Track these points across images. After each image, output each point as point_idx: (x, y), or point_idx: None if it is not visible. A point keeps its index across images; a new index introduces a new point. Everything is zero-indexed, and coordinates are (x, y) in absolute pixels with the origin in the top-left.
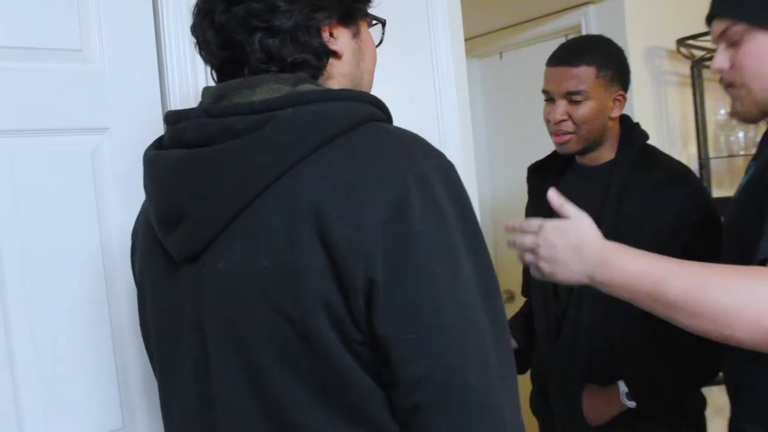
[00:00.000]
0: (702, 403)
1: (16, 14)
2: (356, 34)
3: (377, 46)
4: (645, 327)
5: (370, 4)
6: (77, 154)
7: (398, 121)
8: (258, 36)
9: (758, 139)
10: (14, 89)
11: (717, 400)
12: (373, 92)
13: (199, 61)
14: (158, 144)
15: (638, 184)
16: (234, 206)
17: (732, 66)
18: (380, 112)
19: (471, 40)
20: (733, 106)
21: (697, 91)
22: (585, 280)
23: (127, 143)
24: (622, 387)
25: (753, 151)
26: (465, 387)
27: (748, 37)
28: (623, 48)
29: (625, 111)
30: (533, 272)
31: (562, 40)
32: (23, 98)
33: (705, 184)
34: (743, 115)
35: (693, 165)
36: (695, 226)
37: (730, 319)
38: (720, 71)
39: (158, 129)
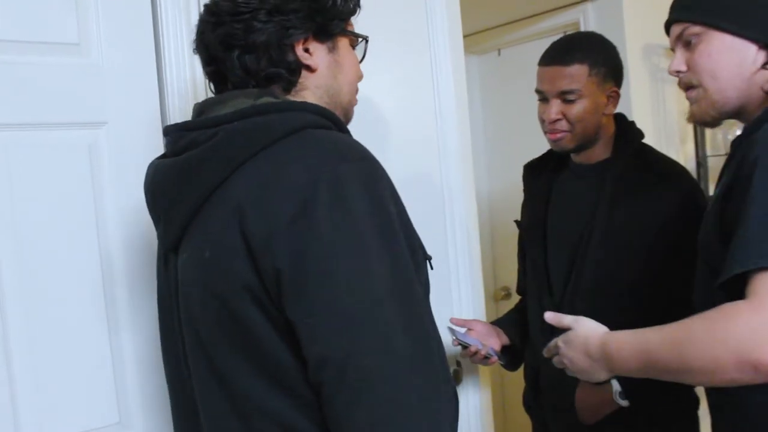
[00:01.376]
0: (695, 402)
1: (13, 8)
2: (333, 49)
3: (360, 61)
4: (639, 326)
5: (348, 23)
6: (74, 148)
7: (396, 118)
8: (236, 53)
9: None
10: (11, 83)
11: None
12: (371, 89)
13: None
14: (162, 155)
15: (632, 183)
16: (190, 207)
17: (688, 68)
18: (323, 119)
19: (469, 36)
20: (690, 110)
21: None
22: (610, 376)
23: (125, 138)
24: (616, 385)
25: None
26: (360, 369)
27: (704, 38)
28: (621, 45)
29: (623, 108)
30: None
31: (561, 36)
32: (20, 92)
33: (702, 182)
34: (701, 117)
35: (690, 163)
36: (688, 226)
37: (719, 366)
38: (677, 73)
39: (156, 124)
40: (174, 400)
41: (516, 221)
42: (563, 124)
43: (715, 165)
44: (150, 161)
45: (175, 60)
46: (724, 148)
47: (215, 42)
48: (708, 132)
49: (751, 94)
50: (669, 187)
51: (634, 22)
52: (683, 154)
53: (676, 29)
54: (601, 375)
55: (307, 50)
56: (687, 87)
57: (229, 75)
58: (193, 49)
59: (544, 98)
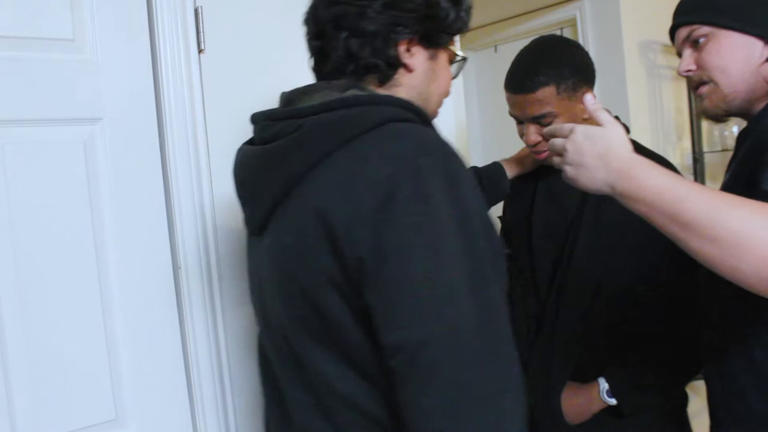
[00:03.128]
0: (683, 400)
1: (7, 3)
2: (433, 58)
3: (453, 78)
4: (626, 324)
5: (454, 40)
6: (69, 144)
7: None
8: (344, 35)
9: None
10: (4, 78)
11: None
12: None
13: (193, 52)
14: (250, 140)
15: None
16: (275, 196)
17: (698, 66)
18: (407, 112)
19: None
20: (701, 105)
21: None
22: (606, 189)
23: (120, 134)
24: (603, 384)
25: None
26: (431, 357)
27: (711, 37)
28: (618, 42)
29: (621, 104)
30: (562, 176)
31: (558, 33)
32: (14, 87)
33: (699, 178)
34: (713, 112)
35: (687, 159)
36: None
37: (741, 250)
38: (687, 73)
39: (151, 120)
40: (263, 385)
41: (499, 217)
42: (544, 145)
43: (712, 161)
44: (151, 156)
45: (170, 56)
46: (720, 145)
47: (327, 19)
48: (704, 128)
49: (758, 88)
50: None
51: (630, 18)
52: (680, 150)
53: (683, 32)
54: (596, 183)
55: (409, 50)
56: (698, 85)
57: (331, 54)
58: (303, 21)
59: (519, 121)
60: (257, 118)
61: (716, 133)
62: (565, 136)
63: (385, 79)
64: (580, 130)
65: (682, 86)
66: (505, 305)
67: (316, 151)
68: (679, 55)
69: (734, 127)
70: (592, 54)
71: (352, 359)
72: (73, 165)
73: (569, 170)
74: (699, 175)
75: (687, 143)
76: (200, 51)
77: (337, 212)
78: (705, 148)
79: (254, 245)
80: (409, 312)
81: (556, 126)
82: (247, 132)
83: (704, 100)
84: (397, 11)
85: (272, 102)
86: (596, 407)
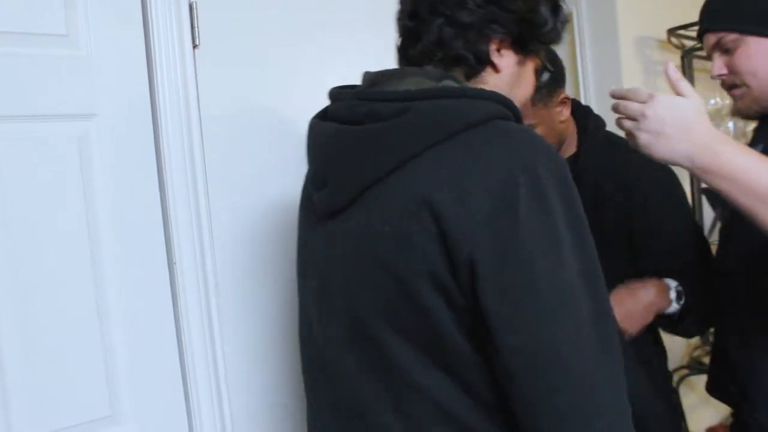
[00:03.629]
0: (663, 354)
1: None
2: (521, 63)
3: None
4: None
5: (545, 50)
6: (63, 140)
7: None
8: (439, 21)
9: (748, 128)
10: None
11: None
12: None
13: (188, 47)
14: (322, 114)
15: (608, 175)
16: (368, 178)
17: (729, 70)
18: (507, 111)
19: None
20: (734, 105)
21: (688, 81)
22: (683, 162)
23: (115, 130)
24: (672, 283)
25: (742, 140)
26: (554, 358)
27: (740, 43)
28: (614, 38)
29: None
30: (630, 140)
31: None
32: (7, 83)
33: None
34: (745, 112)
35: None
36: (665, 210)
37: None
38: (720, 76)
39: (146, 116)
40: (304, 364)
41: None
42: None
43: None
44: (145, 153)
45: (165, 51)
46: None
47: (426, 2)
48: None
49: None
50: (640, 168)
51: (627, 14)
52: None
53: (711, 38)
54: (674, 155)
55: (499, 51)
56: (730, 87)
57: (422, 37)
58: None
59: None
60: (341, 95)
61: None
62: (642, 101)
63: (472, 74)
64: (664, 98)
65: None
66: (611, 306)
67: (426, 139)
68: (709, 57)
69: (729, 123)
70: (588, 50)
71: (439, 354)
72: (67, 161)
73: (644, 137)
74: None
75: None
76: (195, 46)
77: (449, 208)
78: None
79: (320, 227)
80: (530, 313)
81: (631, 88)
82: (242, 127)
83: (738, 102)
84: (498, 8)
85: (268, 97)
86: (649, 316)
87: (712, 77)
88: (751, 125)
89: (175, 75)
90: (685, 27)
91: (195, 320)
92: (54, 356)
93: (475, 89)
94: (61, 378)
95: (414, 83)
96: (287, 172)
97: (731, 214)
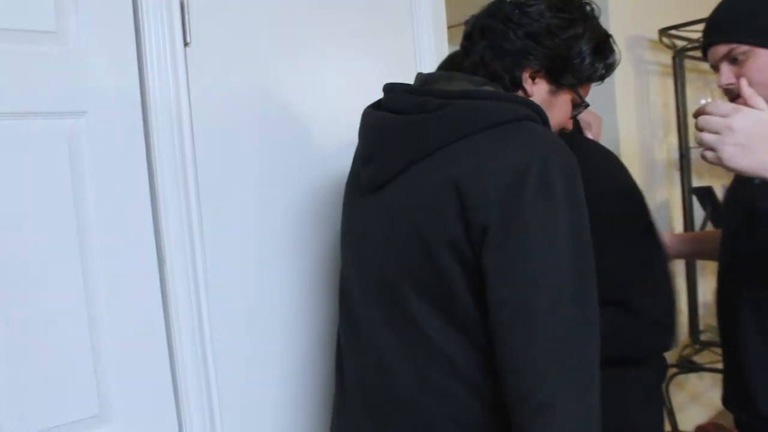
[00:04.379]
0: (662, 374)
1: None
2: (554, 93)
3: (570, 117)
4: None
5: (580, 85)
6: (52, 137)
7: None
8: (484, 44)
9: None
10: None
11: (694, 387)
12: (354, 80)
13: (179, 45)
14: (376, 105)
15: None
16: (408, 159)
17: (737, 80)
18: (534, 114)
19: (454, 27)
20: None
21: (679, 82)
22: (764, 172)
23: (105, 127)
24: None
25: None
26: (535, 312)
27: (750, 55)
28: None
29: (608, 101)
30: (707, 155)
31: None
32: None
33: (685, 173)
34: None
35: (674, 154)
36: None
37: None
38: (729, 86)
39: (136, 113)
40: (341, 318)
41: None
42: None
43: (698, 156)
44: (136, 151)
45: (155, 49)
46: None
47: (478, 26)
48: (691, 124)
49: None
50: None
51: (618, 13)
52: (666, 146)
53: (721, 49)
54: (757, 166)
55: (533, 79)
56: (736, 96)
57: (470, 55)
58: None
59: None
60: (394, 88)
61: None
62: (725, 115)
63: (505, 90)
64: (748, 111)
65: (669, 82)
66: (596, 289)
67: (462, 130)
68: (715, 68)
69: None
70: None
71: (455, 316)
72: (56, 158)
73: (730, 150)
74: (685, 171)
75: (673, 139)
76: (186, 44)
77: (470, 185)
78: (691, 144)
79: (362, 201)
80: (520, 271)
81: (712, 103)
82: (234, 126)
83: None
84: (534, 43)
85: (258, 95)
86: None
87: (720, 86)
88: None
89: (166, 73)
90: (676, 27)
91: (185, 319)
92: (42, 355)
93: (509, 94)
94: (48, 377)
95: (459, 86)
96: (279, 171)
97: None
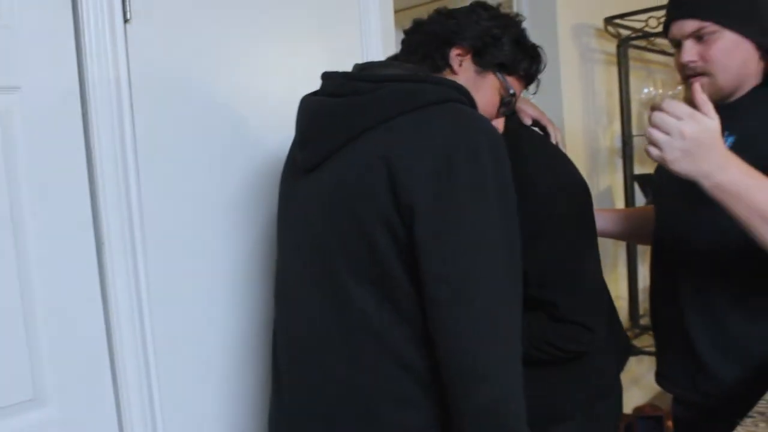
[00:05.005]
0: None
1: None
2: (480, 74)
3: (496, 115)
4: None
5: (513, 75)
6: None
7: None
8: (418, 33)
9: None
10: None
11: (634, 370)
12: (298, 64)
13: (118, 20)
14: (314, 93)
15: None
16: (343, 139)
17: (700, 59)
18: (463, 96)
19: (401, 11)
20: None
21: (623, 70)
22: (701, 178)
23: (40, 105)
24: None
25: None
26: (471, 288)
27: (719, 35)
28: (552, 25)
29: (553, 88)
30: (653, 152)
31: None
32: None
33: (627, 160)
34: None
35: (617, 142)
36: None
37: None
38: (691, 63)
39: (74, 91)
40: (276, 294)
41: None
42: None
43: (640, 144)
44: (72, 129)
45: (94, 25)
46: None
47: (416, 21)
48: (634, 112)
49: (745, 81)
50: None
51: (565, 2)
52: (610, 133)
53: (691, 24)
54: (693, 172)
55: (460, 59)
56: (693, 75)
57: (405, 42)
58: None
59: None
60: (331, 75)
61: (645, 117)
62: (680, 118)
63: (436, 71)
64: (700, 118)
65: (614, 70)
66: (521, 262)
67: (392, 110)
68: (675, 43)
69: None
70: None
71: (389, 293)
72: None
73: (676, 154)
74: (627, 158)
75: (617, 126)
76: (126, 21)
77: (401, 163)
78: (634, 131)
79: (298, 183)
80: (456, 248)
81: (671, 102)
82: (175, 104)
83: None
84: (463, 24)
85: (200, 71)
86: None
87: (682, 62)
88: None
89: (105, 50)
90: (621, 16)
91: (124, 301)
92: None
93: (438, 77)
94: None
95: (391, 71)
96: (219, 151)
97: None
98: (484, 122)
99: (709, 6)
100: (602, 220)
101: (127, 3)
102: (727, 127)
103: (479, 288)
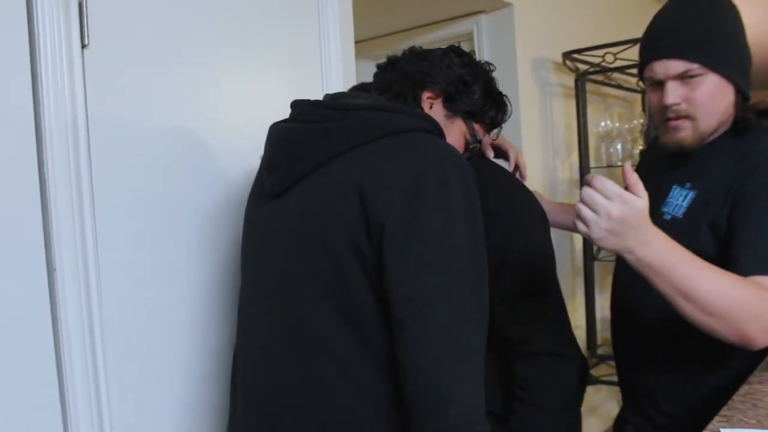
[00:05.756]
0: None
1: None
2: (448, 118)
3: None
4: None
5: (481, 124)
6: None
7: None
8: (392, 71)
9: (635, 151)
10: None
11: (591, 399)
12: (257, 88)
13: (76, 46)
14: (283, 121)
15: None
16: (313, 164)
17: (684, 101)
18: (433, 127)
19: (363, 42)
20: (677, 136)
21: (581, 103)
22: (624, 252)
23: None
24: None
25: (629, 162)
26: (436, 311)
27: (704, 78)
28: (512, 58)
29: (513, 120)
30: (580, 227)
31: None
32: None
33: None
34: (689, 144)
35: (575, 174)
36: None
37: (735, 325)
38: (675, 105)
39: (28, 116)
40: (239, 316)
41: None
42: None
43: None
44: (26, 154)
45: (50, 50)
46: (606, 161)
47: (390, 59)
48: (591, 145)
49: (722, 124)
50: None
51: (524, 36)
52: (568, 165)
53: (678, 65)
54: (617, 247)
55: (431, 102)
56: (676, 117)
57: (378, 78)
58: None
59: None
60: (299, 104)
61: (602, 149)
62: (609, 198)
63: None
64: (629, 199)
65: (572, 104)
66: (487, 283)
67: (364, 136)
68: (653, 82)
69: (618, 145)
70: None
71: (353, 319)
72: None
73: (602, 233)
74: None
75: (575, 158)
76: (84, 46)
77: (372, 186)
78: (592, 164)
79: (265, 207)
80: (422, 271)
81: (600, 181)
82: (132, 130)
83: (680, 133)
84: (436, 68)
85: (160, 97)
86: None
87: (664, 104)
88: (638, 148)
89: (62, 75)
90: (579, 51)
91: (75, 331)
92: None
93: (410, 108)
94: None
95: (362, 101)
96: (177, 176)
97: None
98: (454, 152)
99: (697, 47)
100: (561, 213)
101: (86, 29)
102: (690, 179)
103: (444, 309)
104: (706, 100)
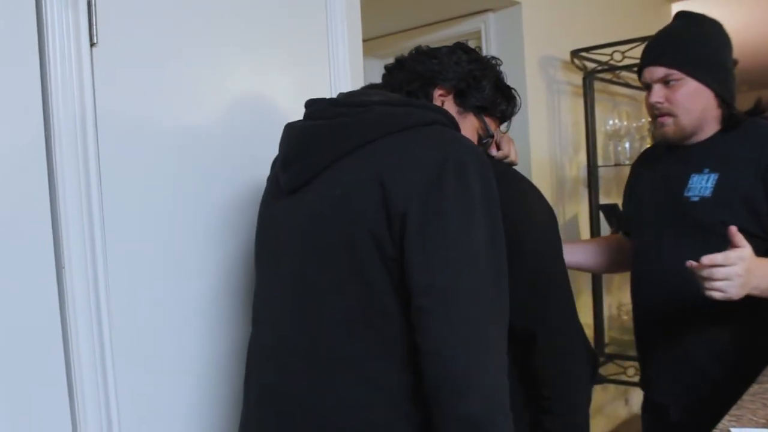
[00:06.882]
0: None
1: None
2: (460, 114)
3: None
4: None
5: (492, 117)
6: None
7: (292, 118)
8: (402, 71)
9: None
10: None
11: (599, 399)
12: (267, 92)
13: (84, 44)
14: (298, 119)
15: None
16: (326, 160)
17: (666, 101)
18: (447, 120)
19: (371, 41)
20: (661, 131)
21: (589, 102)
22: (752, 291)
23: (3, 129)
24: None
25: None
26: (457, 299)
27: (684, 82)
28: (519, 56)
29: (520, 118)
30: (716, 296)
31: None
32: None
33: (592, 190)
34: (673, 138)
35: (582, 172)
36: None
37: None
38: (658, 104)
39: (37, 114)
40: (255, 341)
41: None
42: None
43: (606, 175)
44: (35, 152)
45: (59, 48)
46: (613, 159)
47: (399, 59)
48: (599, 143)
49: (705, 124)
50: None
51: (532, 34)
52: (576, 164)
53: (660, 71)
54: (746, 291)
55: (442, 99)
56: (660, 115)
57: (388, 79)
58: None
59: None
60: (316, 101)
61: (610, 148)
62: (733, 264)
63: None
64: (743, 253)
65: (580, 102)
66: (506, 273)
67: (382, 130)
68: (646, 85)
69: (626, 143)
70: None
71: (369, 314)
72: None
73: (736, 290)
74: (593, 188)
75: (582, 157)
76: (92, 44)
77: (391, 177)
78: (600, 162)
79: (280, 204)
80: (444, 260)
81: (720, 256)
82: (141, 128)
83: (665, 128)
84: (446, 66)
85: (169, 95)
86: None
87: (651, 102)
88: (646, 146)
89: (71, 74)
90: (587, 50)
91: (84, 328)
92: None
93: (425, 102)
94: None
95: (377, 97)
96: (186, 174)
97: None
98: (470, 143)
99: (676, 57)
100: (578, 254)
101: (94, 27)
102: (707, 165)
103: (465, 297)
104: (684, 100)
